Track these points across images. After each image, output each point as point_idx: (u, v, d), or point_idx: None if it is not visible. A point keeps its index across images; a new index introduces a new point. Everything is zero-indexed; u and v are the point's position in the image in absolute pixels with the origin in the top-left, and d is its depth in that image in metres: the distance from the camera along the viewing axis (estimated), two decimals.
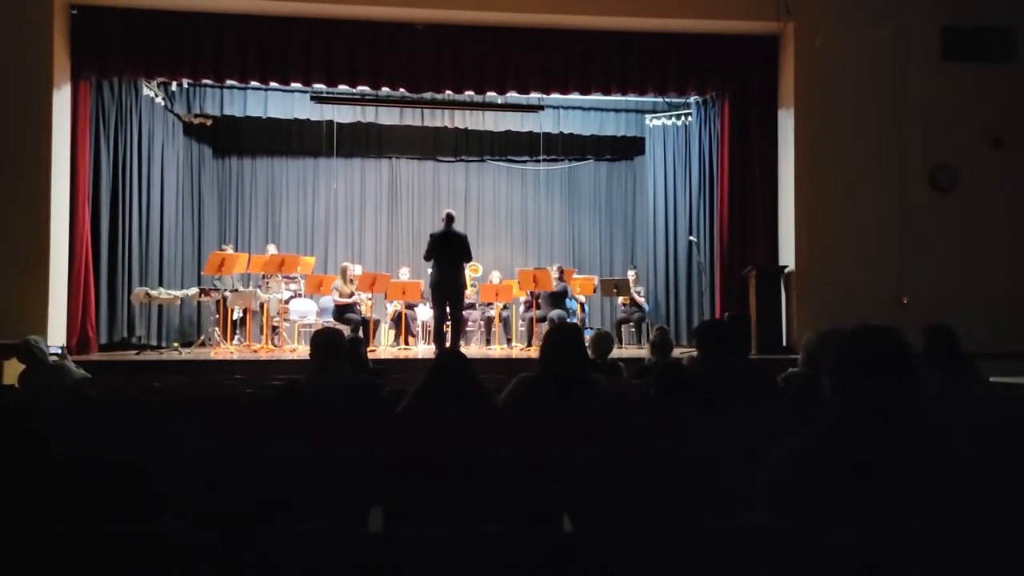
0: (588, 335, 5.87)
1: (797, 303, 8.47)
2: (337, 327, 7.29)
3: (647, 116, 11.18)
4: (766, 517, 1.67)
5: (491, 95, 9.67)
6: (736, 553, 1.53)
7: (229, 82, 9.26)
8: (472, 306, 10.31)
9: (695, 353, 3.89)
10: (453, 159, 12.67)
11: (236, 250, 10.41)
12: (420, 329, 10.23)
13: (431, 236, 8.29)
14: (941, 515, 1.57)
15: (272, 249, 10.56)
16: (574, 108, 11.35)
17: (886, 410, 1.68)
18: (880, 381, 1.70)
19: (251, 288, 9.71)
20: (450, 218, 8.30)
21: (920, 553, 1.51)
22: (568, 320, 9.49)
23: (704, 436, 2.77)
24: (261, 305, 9.36)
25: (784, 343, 8.39)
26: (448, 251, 8.15)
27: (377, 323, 10.31)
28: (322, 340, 3.57)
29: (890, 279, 8.32)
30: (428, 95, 9.88)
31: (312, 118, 11.07)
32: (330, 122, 11.30)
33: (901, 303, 8.15)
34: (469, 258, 8.37)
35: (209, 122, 10.95)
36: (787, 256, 8.73)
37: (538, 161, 12.47)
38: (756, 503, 1.71)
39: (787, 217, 8.79)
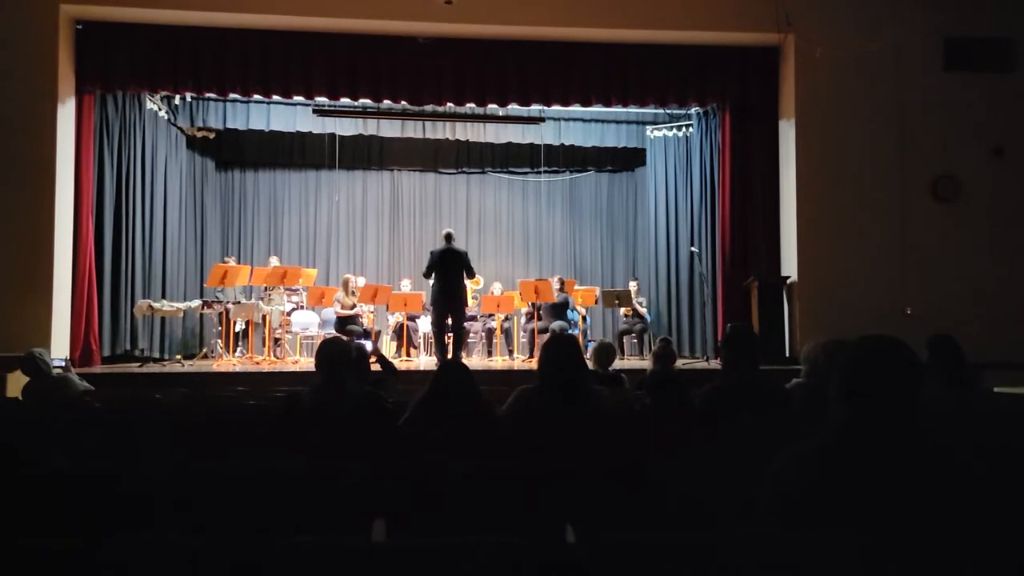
0: (590, 346, 5.89)
1: (800, 314, 8.47)
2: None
3: (648, 127, 11.22)
4: (769, 528, 1.67)
5: (492, 107, 9.71)
6: (740, 563, 1.52)
7: (232, 95, 9.30)
8: (473, 317, 10.31)
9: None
10: (454, 171, 12.71)
11: (238, 262, 10.43)
12: (422, 340, 10.24)
13: (431, 253, 8.32)
14: (945, 527, 1.57)
15: (274, 261, 10.58)
16: (575, 120, 11.38)
17: (890, 420, 1.68)
18: (885, 391, 1.70)
19: (253, 300, 9.73)
20: (449, 237, 8.35)
21: (925, 565, 1.50)
22: (569, 331, 9.49)
23: (705, 446, 2.76)
24: (263, 317, 9.37)
25: (787, 354, 8.38)
26: (449, 268, 8.19)
27: (379, 334, 10.31)
28: (328, 350, 3.57)
29: (893, 289, 8.32)
30: (429, 107, 9.93)
31: (314, 131, 11.12)
32: (332, 135, 11.35)
33: (904, 313, 8.15)
34: (472, 274, 8.41)
35: (212, 135, 11.01)
36: (789, 266, 8.73)
37: (539, 173, 12.50)
38: (759, 514, 1.71)
39: (789, 227, 8.80)
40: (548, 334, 9.74)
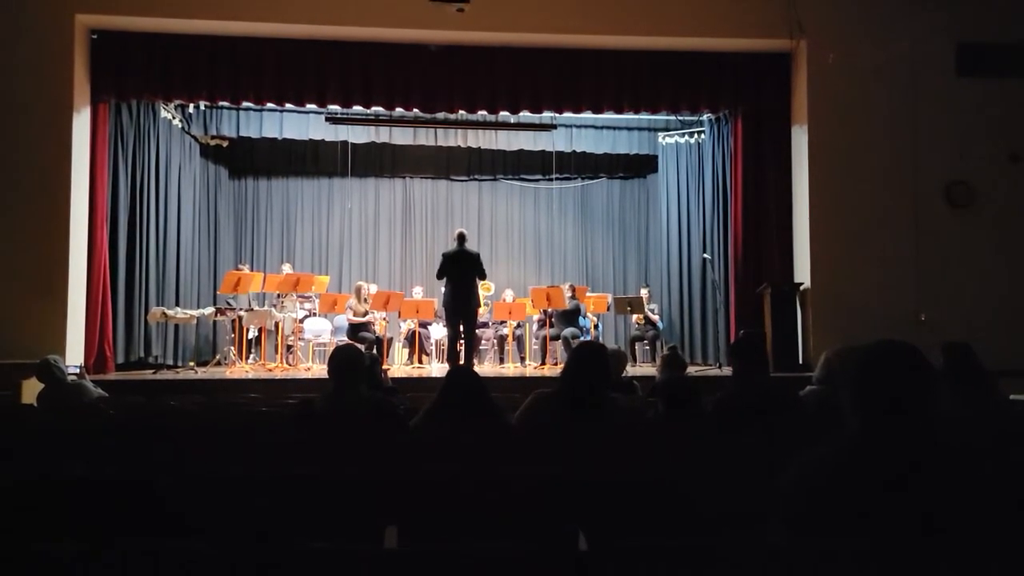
0: None
1: (813, 320, 8.42)
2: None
3: (660, 134, 11.22)
4: (783, 535, 1.66)
5: (504, 114, 9.73)
6: (751, 569, 1.51)
7: (245, 104, 9.36)
8: (485, 324, 10.31)
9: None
10: (466, 178, 12.73)
11: (251, 269, 10.48)
12: (434, 348, 10.25)
13: (444, 255, 8.33)
14: (961, 534, 1.55)
15: (287, 268, 10.63)
16: (586, 126, 11.38)
17: (905, 428, 1.67)
18: (899, 398, 1.69)
19: (266, 307, 9.76)
20: (462, 237, 8.34)
21: (939, 572, 1.49)
22: (581, 338, 9.48)
23: (719, 453, 2.75)
24: (276, 324, 9.41)
25: (800, 360, 8.33)
26: (461, 270, 8.18)
27: (391, 342, 10.33)
28: (341, 357, 3.58)
29: (907, 296, 8.26)
30: (441, 115, 9.97)
31: (327, 139, 11.17)
32: (344, 142, 11.40)
33: (918, 320, 8.08)
34: (483, 275, 8.39)
35: (225, 143, 11.07)
36: (802, 273, 8.69)
37: (551, 179, 12.51)
38: (773, 520, 1.70)
39: (802, 234, 8.76)
40: (560, 341, 9.74)
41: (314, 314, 10.11)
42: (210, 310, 9.64)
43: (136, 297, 9.11)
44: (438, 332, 10.09)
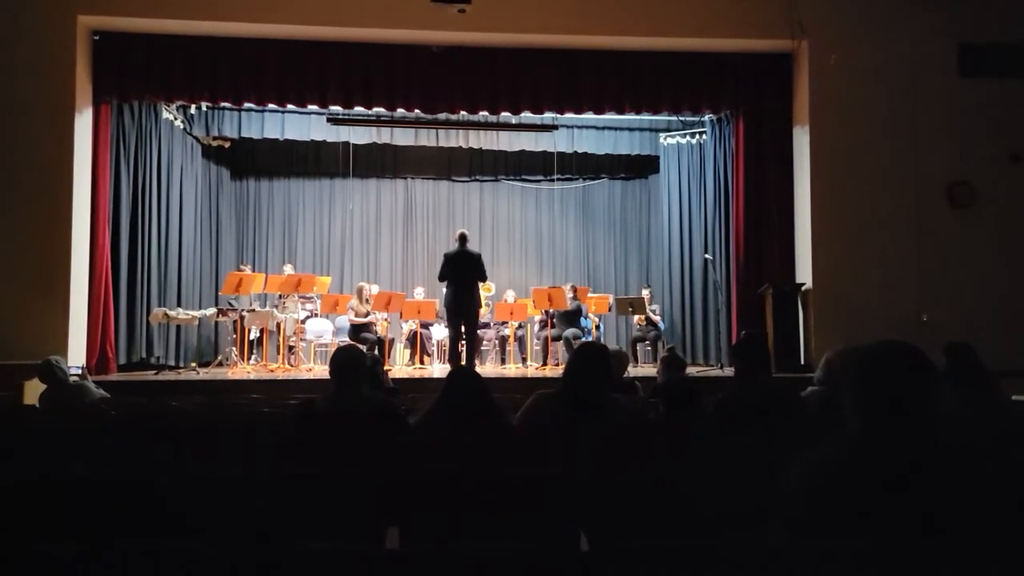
0: None
1: (815, 321, 8.41)
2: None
3: (661, 134, 11.22)
4: (784, 535, 1.66)
5: (505, 115, 9.73)
6: (754, 570, 1.51)
7: (247, 104, 9.37)
8: (487, 325, 10.31)
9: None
10: (468, 179, 12.74)
11: (253, 270, 10.48)
12: (435, 348, 10.25)
13: (445, 256, 8.33)
14: (962, 534, 1.55)
15: (289, 269, 10.63)
16: (588, 127, 11.38)
17: (906, 428, 1.67)
18: (900, 398, 1.68)
19: (268, 308, 9.77)
20: (464, 238, 8.34)
21: (939, 572, 1.49)
22: (583, 339, 9.48)
23: (720, 454, 2.75)
24: (277, 325, 9.41)
25: (802, 361, 8.32)
26: (462, 271, 8.18)
27: (392, 342, 10.33)
28: (342, 358, 3.59)
29: (908, 296, 8.25)
30: (443, 116, 9.96)
31: (328, 139, 11.18)
32: (346, 143, 11.41)
33: (920, 320, 8.08)
34: (484, 277, 8.39)
35: (227, 144, 11.07)
36: (804, 273, 8.68)
37: (552, 180, 12.51)
38: (774, 521, 1.70)
39: (803, 234, 8.76)
40: (561, 342, 9.73)
41: (316, 315, 10.11)
42: (212, 311, 9.65)
43: (138, 298, 9.11)
44: (439, 333, 10.09)
